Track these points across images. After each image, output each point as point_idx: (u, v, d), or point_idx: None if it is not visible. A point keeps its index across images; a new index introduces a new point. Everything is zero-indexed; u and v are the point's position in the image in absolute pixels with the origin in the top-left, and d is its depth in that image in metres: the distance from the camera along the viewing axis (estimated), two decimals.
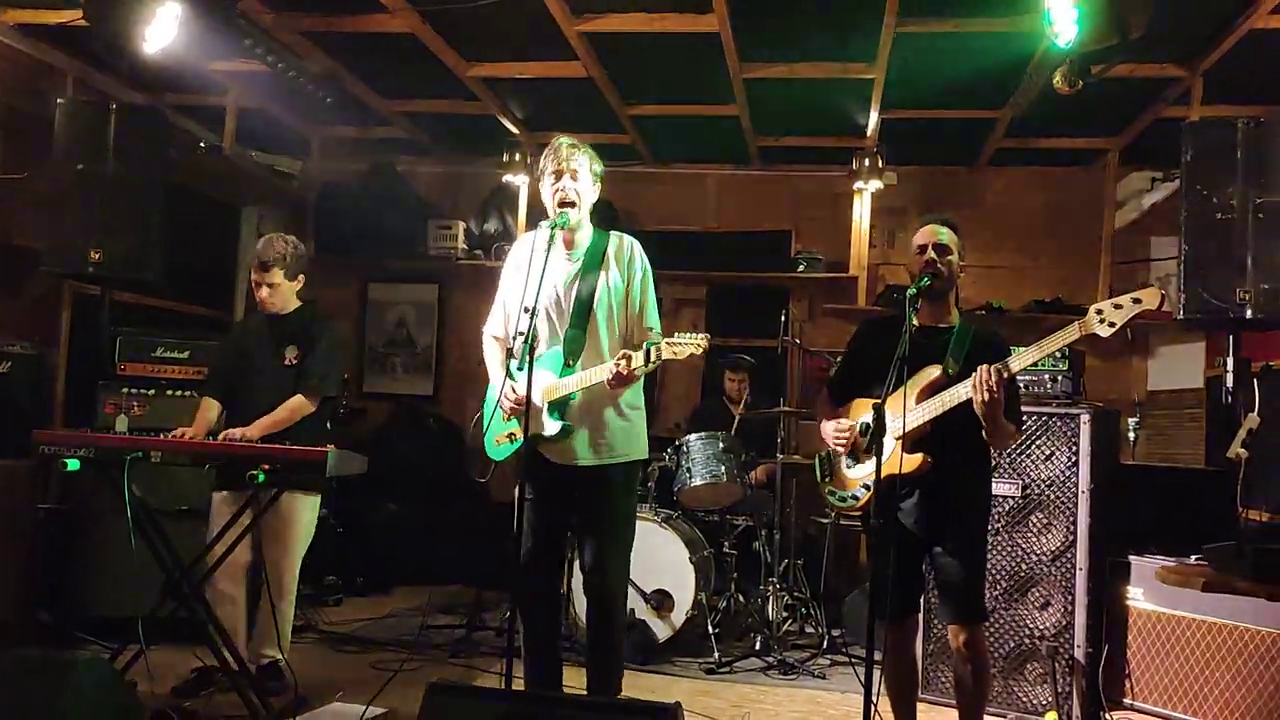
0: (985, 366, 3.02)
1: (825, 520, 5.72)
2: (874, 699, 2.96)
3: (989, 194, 6.96)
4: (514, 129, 6.51)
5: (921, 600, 3.69)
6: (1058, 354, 4.41)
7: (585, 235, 3.58)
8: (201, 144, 6.18)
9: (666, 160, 7.17)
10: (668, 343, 3.27)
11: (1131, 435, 5.49)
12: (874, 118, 5.91)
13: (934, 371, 3.19)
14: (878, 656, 3.10)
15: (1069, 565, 4.12)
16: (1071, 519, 4.12)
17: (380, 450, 6.78)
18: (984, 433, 3.12)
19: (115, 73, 5.64)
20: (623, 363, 3.27)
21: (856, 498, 3.38)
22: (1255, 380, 4.50)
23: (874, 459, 2.97)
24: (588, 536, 3.57)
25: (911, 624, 3.50)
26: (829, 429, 3.40)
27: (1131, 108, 5.71)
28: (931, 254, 3.27)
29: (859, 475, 3.38)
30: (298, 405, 4.04)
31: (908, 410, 3.12)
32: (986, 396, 3.00)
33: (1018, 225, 6.87)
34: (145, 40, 4.18)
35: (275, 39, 5.01)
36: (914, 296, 3.12)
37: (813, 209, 7.14)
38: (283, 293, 4.18)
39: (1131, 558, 4.07)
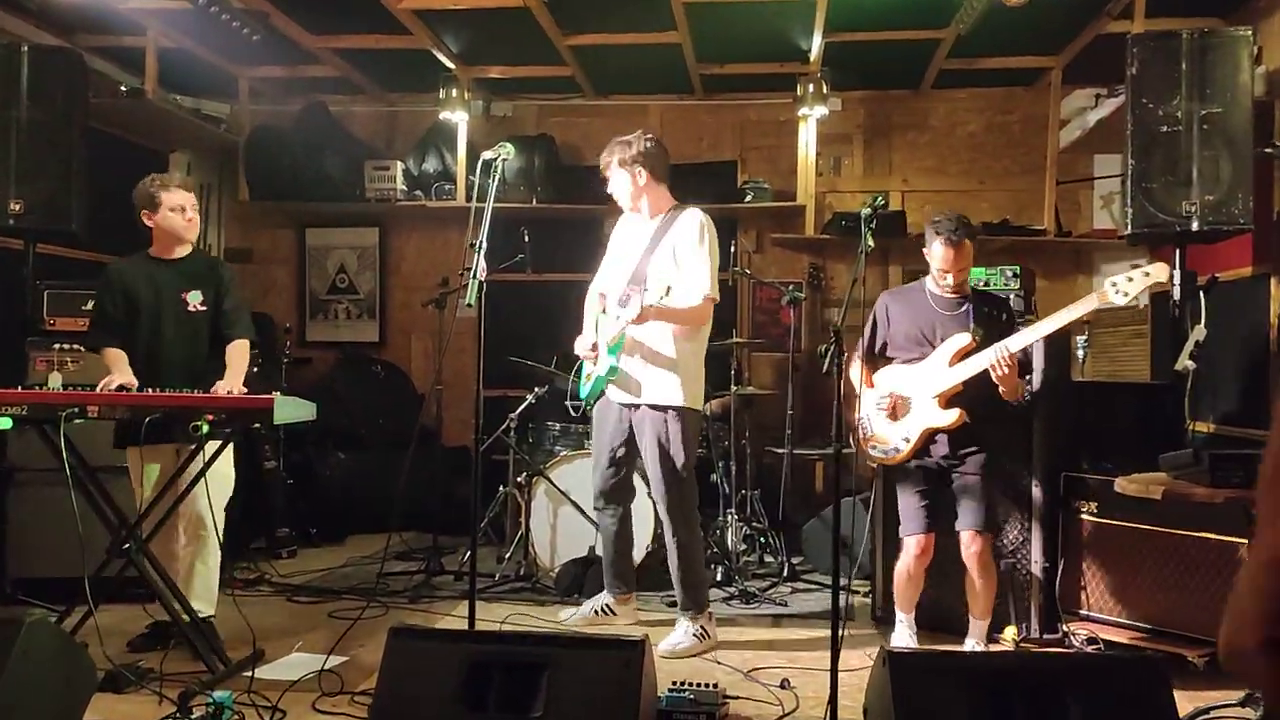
0: (1001, 351, 3.59)
1: (781, 450, 5.73)
2: (841, 620, 3.01)
3: (934, 117, 6.91)
4: (449, 63, 6.31)
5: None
6: (1009, 274, 4.46)
7: (652, 204, 4.13)
8: (123, 88, 5.91)
9: (607, 92, 6.99)
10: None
11: (1080, 353, 5.54)
12: (817, 41, 5.81)
13: (965, 339, 3.73)
14: (842, 582, 3.14)
15: (1024, 482, 4.16)
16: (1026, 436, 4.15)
17: (327, 399, 6.64)
18: (1000, 392, 3.69)
19: (25, 12, 5.35)
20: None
21: (899, 449, 3.84)
22: (1201, 293, 4.56)
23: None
24: (649, 479, 4.14)
25: (929, 544, 3.87)
26: (870, 399, 3.91)
27: (1074, 24, 5.65)
28: (950, 278, 3.81)
29: (899, 431, 3.85)
30: (245, 348, 3.94)
31: (943, 372, 3.73)
32: (1004, 372, 3.60)
33: (963, 147, 6.85)
34: None
35: None
36: (869, 216, 3.35)
37: (758, 138, 7.05)
38: (197, 226, 4.10)
39: (1084, 474, 4.12)
